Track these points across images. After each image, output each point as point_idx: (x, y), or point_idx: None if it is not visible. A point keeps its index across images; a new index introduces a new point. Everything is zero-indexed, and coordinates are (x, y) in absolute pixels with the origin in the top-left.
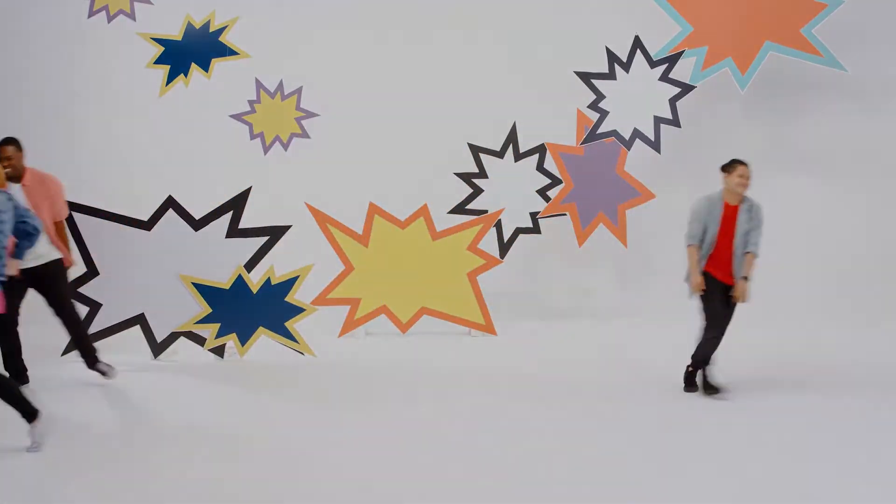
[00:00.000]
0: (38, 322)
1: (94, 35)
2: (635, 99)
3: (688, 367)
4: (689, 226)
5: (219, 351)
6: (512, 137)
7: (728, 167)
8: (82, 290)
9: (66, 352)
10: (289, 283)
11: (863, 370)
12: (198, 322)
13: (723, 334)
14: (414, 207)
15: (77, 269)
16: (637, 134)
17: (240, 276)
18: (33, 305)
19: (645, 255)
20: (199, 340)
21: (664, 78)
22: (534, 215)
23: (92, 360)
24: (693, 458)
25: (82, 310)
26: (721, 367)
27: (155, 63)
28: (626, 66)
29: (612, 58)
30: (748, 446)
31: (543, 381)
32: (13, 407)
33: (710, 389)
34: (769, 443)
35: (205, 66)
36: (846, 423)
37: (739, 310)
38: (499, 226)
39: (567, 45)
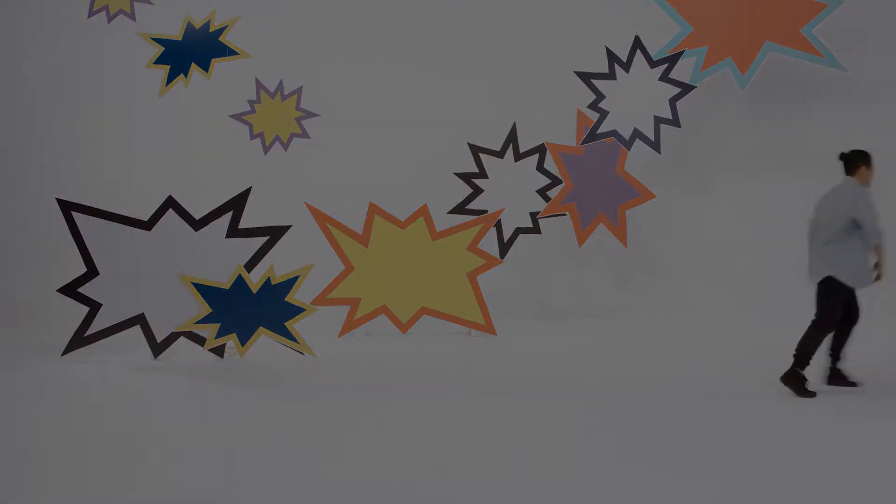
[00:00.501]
0: (37, 322)
1: (94, 35)
2: (635, 99)
3: (798, 369)
4: (876, 220)
5: (219, 351)
6: (512, 137)
7: (866, 161)
8: (82, 290)
9: (66, 351)
10: (289, 283)
11: (863, 371)
12: (198, 322)
13: None
14: (414, 207)
15: (77, 269)
16: (637, 134)
17: (240, 276)
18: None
19: (645, 255)
20: (199, 340)
21: (664, 78)
22: (534, 215)
23: None
24: (694, 458)
25: (82, 310)
26: (722, 367)
27: (155, 63)
28: (626, 66)
29: (612, 58)
30: (755, 443)
31: (543, 381)
32: None
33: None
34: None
35: (205, 66)
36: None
37: (740, 310)
38: (499, 226)
39: (567, 45)
